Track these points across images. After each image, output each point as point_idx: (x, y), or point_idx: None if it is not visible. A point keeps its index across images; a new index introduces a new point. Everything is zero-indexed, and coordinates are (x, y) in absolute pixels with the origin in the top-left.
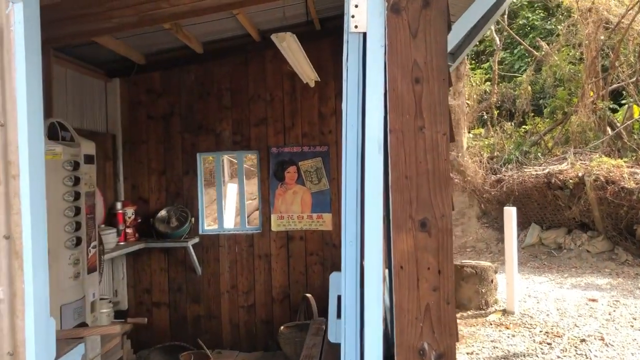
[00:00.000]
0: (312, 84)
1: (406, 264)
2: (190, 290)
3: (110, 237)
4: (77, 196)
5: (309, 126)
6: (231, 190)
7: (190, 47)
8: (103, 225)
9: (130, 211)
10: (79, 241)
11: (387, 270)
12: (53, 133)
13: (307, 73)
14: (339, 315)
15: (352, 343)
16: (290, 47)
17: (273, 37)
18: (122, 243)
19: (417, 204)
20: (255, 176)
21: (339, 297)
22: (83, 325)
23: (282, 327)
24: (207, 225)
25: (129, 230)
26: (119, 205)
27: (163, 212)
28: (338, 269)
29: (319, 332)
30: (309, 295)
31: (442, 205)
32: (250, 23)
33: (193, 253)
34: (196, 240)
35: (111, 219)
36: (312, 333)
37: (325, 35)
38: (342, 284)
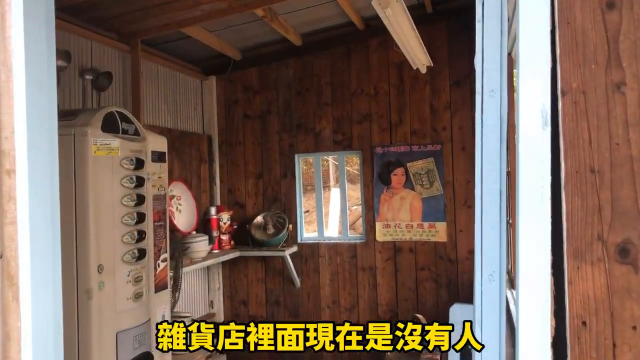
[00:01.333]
0: (423, 70)
1: (592, 317)
2: (289, 304)
3: (201, 245)
4: (140, 200)
5: (419, 122)
6: (335, 195)
7: (287, 40)
8: (194, 232)
9: (225, 217)
10: (141, 254)
11: (552, 325)
12: (111, 124)
13: (417, 53)
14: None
15: None
16: (396, 16)
17: (374, 2)
18: (216, 251)
19: (611, 215)
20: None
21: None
22: (146, 356)
23: (388, 353)
24: (307, 233)
25: (224, 237)
26: (213, 210)
27: (259, 218)
28: (454, 286)
29: (434, 355)
30: (419, 316)
31: None
32: (352, 8)
33: (291, 263)
34: (294, 249)
35: (205, 225)
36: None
37: (438, 18)
38: (477, 333)
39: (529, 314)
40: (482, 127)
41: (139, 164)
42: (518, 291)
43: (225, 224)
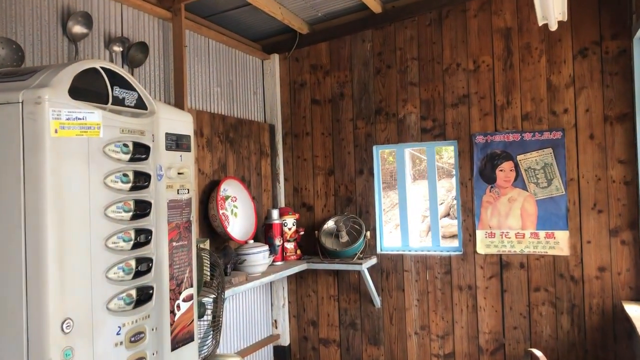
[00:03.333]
0: (554, 25)
1: None
2: (367, 327)
3: (259, 257)
4: (141, 209)
5: (532, 104)
6: (417, 193)
7: (365, 6)
8: (252, 241)
9: (290, 221)
10: (144, 295)
11: None
12: (91, 89)
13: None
14: None
15: None
16: None
17: None
18: (278, 263)
19: None
20: (446, 176)
21: None
22: None
23: None
24: (387, 242)
25: (289, 246)
26: (275, 213)
27: (330, 223)
28: (579, 312)
29: None
30: (537, 352)
31: None
32: None
33: (369, 278)
34: (373, 261)
35: (266, 232)
36: None
37: None
38: None
39: None
40: None
41: (140, 151)
42: None
43: (290, 229)
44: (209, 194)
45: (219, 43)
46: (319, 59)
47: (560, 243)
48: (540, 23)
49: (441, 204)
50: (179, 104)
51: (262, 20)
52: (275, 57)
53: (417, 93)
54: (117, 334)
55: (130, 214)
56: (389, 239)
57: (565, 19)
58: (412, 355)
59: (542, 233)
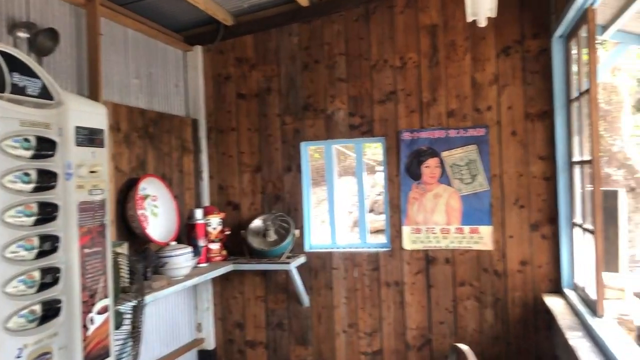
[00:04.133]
0: (482, 22)
1: None
2: (295, 327)
3: (182, 259)
4: (46, 213)
5: (457, 101)
6: (342, 189)
7: None
8: (174, 243)
9: (215, 220)
10: (50, 310)
11: None
12: None
13: None
14: None
15: None
16: None
17: None
18: (203, 265)
19: None
20: (370, 172)
21: None
22: None
23: None
24: (316, 240)
25: (213, 247)
26: (199, 213)
27: (258, 222)
28: (502, 305)
29: None
30: (463, 347)
31: None
32: None
33: (298, 277)
34: (302, 260)
35: (189, 233)
36: None
37: None
38: None
39: None
40: None
41: (45, 147)
42: None
43: (214, 229)
44: (126, 193)
45: (138, 32)
46: (244, 52)
47: (484, 238)
48: (470, 19)
49: (365, 199)
50: (93, 96)
51: (184, 10)
52: (198, 49)
53: (345, 89)
54: (18, 357)
55: (33, 218)
56: (317, 235)
57: (495, 15)
58: (341, 354)
59: (466, 228)
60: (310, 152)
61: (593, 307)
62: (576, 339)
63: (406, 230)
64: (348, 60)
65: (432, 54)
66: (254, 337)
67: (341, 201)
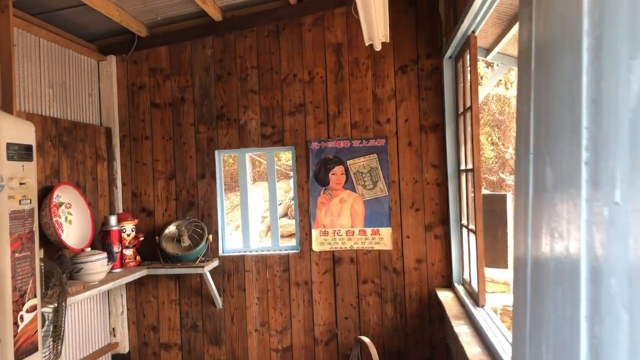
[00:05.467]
0: (378, 46)
1: None
2: (209, 329)
3: (98, 265)
4: None
5: (360, 114)
6: (256, 195)
7: (205, 14)
8: (89, 249)
9: (129, 227)
10: None
11: None
12: None
13: (381, 22)
14: None
15: None
16: None
17: None
18: (117, 270)
19: None
20: (284, 177)
21: None
22: None
23: None
24: (229, 244)
25: (127, 252)
26: (113, 219)
27: (172, 228)
28: (400, 300)
29: None
30: (365, 339)
31: None
32: None
33: (211, 281)
34: (215, 264)
35: (103, 239)
36: None
37: None
38: None
39: None
40: None
41: None
42: None
43: (129, 235)
44: (41, 200)
45: (51, 42)
46: (158, 63)
47: (384, 239)
48: (367, 43)
49: (279, 204)
50: (7, 106)
51: (98, 20)
52: (112, 59)
53: (257, 100)
54: None
55: None
56: (230, 240)
57: (388, 40)
58: (253, 352)
59: (369, 230)
60: (225, 158)
61: (476, 298)
62: (460, 326)
63: (315, 233)
64: (260, 73)
65: (338, 70)
66: (168, 339)
67: (256, 206)
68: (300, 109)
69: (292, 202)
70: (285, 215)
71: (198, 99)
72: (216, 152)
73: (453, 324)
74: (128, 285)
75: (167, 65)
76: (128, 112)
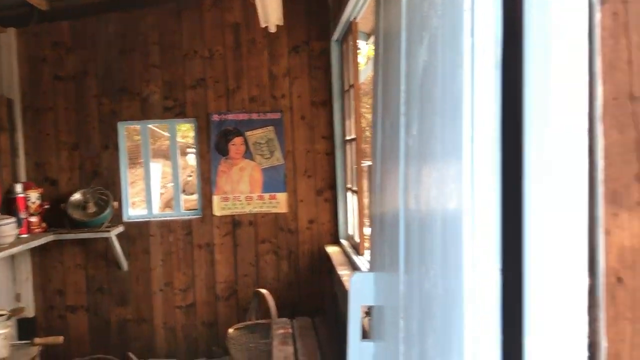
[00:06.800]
0: (273, 28)
1: (628, 271)
2: (115, 290)
3: (7, 228)
4: None
5: (257, 89)
6: (154, 170)
7: None
8: None
9: (34, 195)
10: None
11: (588, 284)
12: None
13: (275, 6)
14: (364, 336)
15: None
16: None
17: None
18: (24, 235)
19: None
20: (182, 154)
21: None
22: None
23: (230, 330)
24: (133, 211)
25: (33, 219)
26: (18, 187)
27: (77, 196)
28: (295, 257)
29: (286, 339)
30: (263, 290)
31: None
32: None
33: (117, 245)
34: (120, 229)
35: (9, 206)
36: (278, 341)
37: None
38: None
39: (557, 275)
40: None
41: None
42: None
43: (34, 204)
44: None
45: None
46: (61, 37)
47: (280, 203)
48: (263, 25)
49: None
50: None
51: None
52: (12, 31)
53: (159, 75)
54: None
55: None
56: (135, 210)
57: (282, 23)
58: (158, 310)
59: (266, 195)
60: (128, 132)
61: (357, 248)
62: (343, 271)
63: (216, 199)
64: (162, 49)
65: (236, 48)
66: (75, 302)
67: (154, 181)
68: (202, 83)
69: (189, 178)
70: (183, 191)
71: (100, 72)
72: (119, 124)
73: (338, 270)
74: (33, 252)
75: (69, 40)
76: (30, 84)
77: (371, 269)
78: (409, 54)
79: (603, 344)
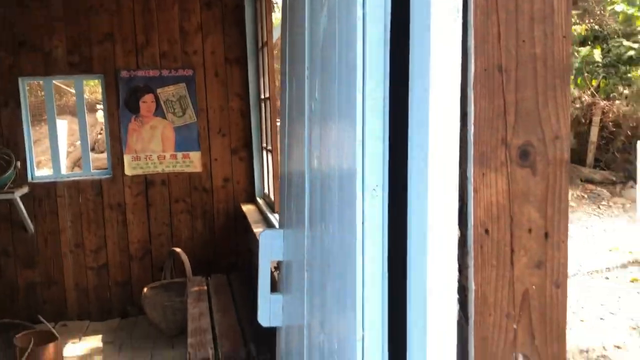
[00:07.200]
0: None
1: (494, 224)
2: (21, 253)
3: None
4: None
5: (168, 45)
6: (61, 128)
7: None
8: None
9: None
10: None
11: (458, 235)
12: None
13: None
14: (273, 289)
15: (374, 354)
16: None
17: None
18: None
19: (515, 117)
20: (89, 111)
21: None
22: None
23: (145, 289)
24: (40, 171)
25: None
26: None
27: None
28: (210, 216)
29: (201, 296)
30: (177, 249)
31: (555, 120)
32: None
33: (22, 206)
34: (25, 190)
35: None
36: (193, 298)
37: None
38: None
39: (434, 228)
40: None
41: None
42: (425, 201)
43: None
44: None
45: None
46: None
47: (194, 162)
48: None
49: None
50: None
51: None
52: None
53: (63, 29)
54: None
55: None
56: (42, 170)
57: None
58: (68, 271)
59: (179, 154)
60: (31, 88)
61: (272, 206)
62: (258, 228)
63: (127, 158)
64: (64, 1)
65: (145, 2)
66: None
67: (61, 139)
68: (109, 38)
69: (99, 135)
70: (92, 149)
71: None
72: (20, 80)
73: (253, 227)
74: None
75: None
76: None
77: (280, 226)
78: (312, 20)
79: (472, 287)
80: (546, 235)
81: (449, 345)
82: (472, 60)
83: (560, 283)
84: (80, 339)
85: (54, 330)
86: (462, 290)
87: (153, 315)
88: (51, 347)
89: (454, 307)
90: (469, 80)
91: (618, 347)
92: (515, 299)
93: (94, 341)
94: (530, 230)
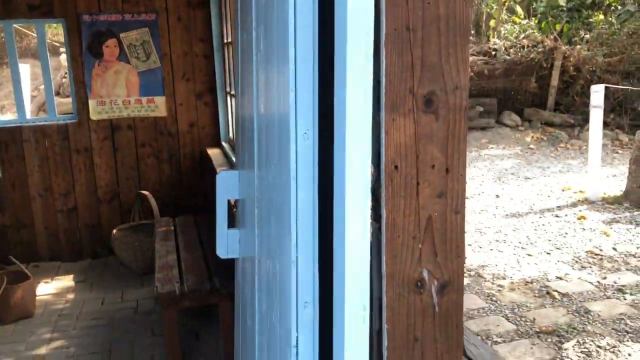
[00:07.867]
0: None
1: (402, 161)
2: None
3: None
4: None
5: None
6: (23, 72)
7: None
8: None
9: None
10: None
11: (372, 172)
12: None
13: None
14: (230, 225)
15: (306, 272)
16: None
17: None
18: None
19: (421, 70)
20: (52, 54)
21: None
22: None
23: (115, 230)
24: (3, 116)
25: None
26: None
27: None
28: (176, 160)
29: (168, 235)
30: (145, 192)
31: (456, 72)
32: None
33: None
34: None
35: None
36: (160, 238)
37: None
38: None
39: (352, 165)
40: None
41: None
42: (344, 144)
43: None
44: None
45: None
46: None
47: (159, 107)
48: None
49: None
50: None
51: None
52: None
53: None
54: None
55: None
56: (6, 115)
57: None
58: (38, 215)
59: (144, 99)
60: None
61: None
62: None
63: (92, 103)
64: None
65: None
66: None
67: (24, 84)
68: None
69: (64, 79)
70: (58, 94)
71: None
72: None
73: (218, 170)
74: None
75: None
76: None
77: (237, 168)
78: None
79: (384, 214)
80: (447, 170)
81: (364, 256)
82: (384, 21)
83: (459, 210)
84: (52, 279)
85: (26, 271)
86: (377, 218)
87: (123, 256)
88: (24, 285)
89: (367, 226)
90: (382, 39)
91: (560, 279)
92: (420, 223)
93: (66, 281)
94: (433, 166)
